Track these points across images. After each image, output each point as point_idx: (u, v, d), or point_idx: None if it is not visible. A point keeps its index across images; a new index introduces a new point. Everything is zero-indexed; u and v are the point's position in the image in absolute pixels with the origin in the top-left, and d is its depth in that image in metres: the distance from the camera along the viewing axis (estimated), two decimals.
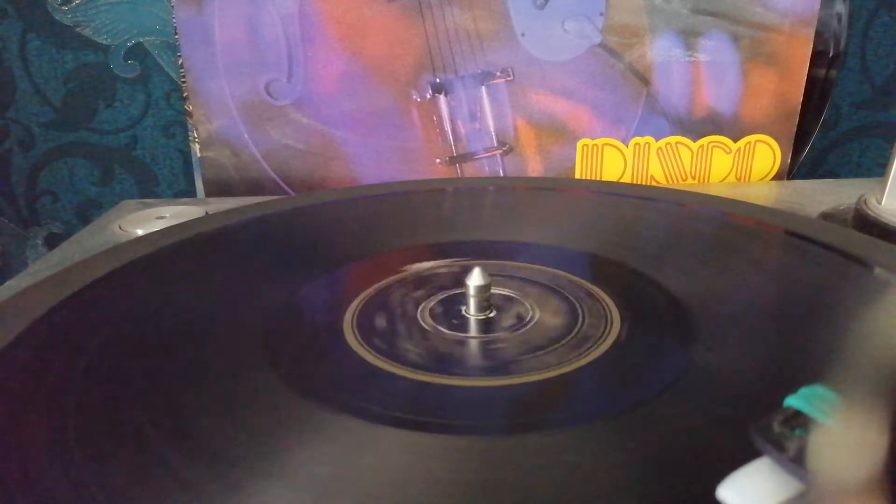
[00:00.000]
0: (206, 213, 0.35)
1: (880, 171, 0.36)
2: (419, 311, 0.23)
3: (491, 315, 0.23)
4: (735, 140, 0.44)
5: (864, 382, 0.10)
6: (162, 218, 0.36)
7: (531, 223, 0.32)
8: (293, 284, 0.26)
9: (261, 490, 0.14)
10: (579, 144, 0.44)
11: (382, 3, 0.41)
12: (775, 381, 0.18)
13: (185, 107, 0.43)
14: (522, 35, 0.42)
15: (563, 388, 0.19)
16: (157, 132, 0.51)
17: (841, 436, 0.10)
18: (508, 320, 0.23)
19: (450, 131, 0.43)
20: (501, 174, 0.44)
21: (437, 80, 0.42)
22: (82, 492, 0.14)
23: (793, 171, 0.45)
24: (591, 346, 0.21)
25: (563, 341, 0.21)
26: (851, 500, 0.09)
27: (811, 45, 0.42)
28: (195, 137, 0.43)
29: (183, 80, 0.42)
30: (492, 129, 0.43)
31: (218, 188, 0.44)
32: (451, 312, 0.23)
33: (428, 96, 0.43)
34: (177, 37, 0.41)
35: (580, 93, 0.43)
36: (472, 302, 0.23)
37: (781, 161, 0.44)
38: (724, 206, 0.32)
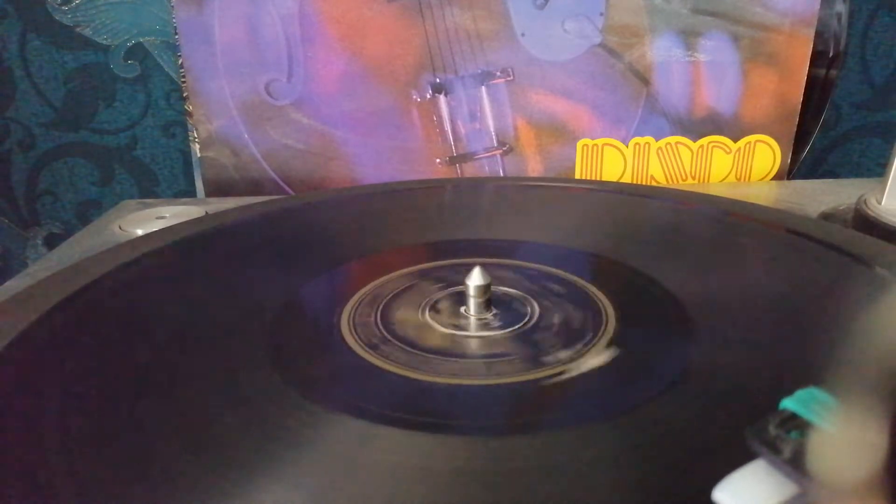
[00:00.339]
0: (206, 213, 0.35)
1: (880, 171, 0.36)
2: (419, 310, 0.23)
3: (491, 314, 0.23)
4: (735, 140, 0.44)
5: (864, 383, 0.10)
6: (162, 218, 0.36)
7: (531, 223, 0.32)
8: (292, 284, 0.26)
9: (260, 489, 0.15)
10: (579, 144, 0.44)
11: (382, 3, 0.41)
12: (775, 381, 0.18)
13: (185, 107, 0.43)
14: (522, 35, 0.42)
15: (563, 387, 0.19)
16: (157, 132, 0.51)
17: (838, 438, 0.10)
18: (508, 319, 0.23)
19: (450, 131, 0.43)
20: (501, 174, 0.44)
21: (437, 80, 0.42)
22: (83, 491, 0.14)
23: (793, 171, 0.45)
24: (590, 346, 0.21)
25: (564, 341, 0.21)
26: (848, 503, 0.09)
27: (811, 45, 0.42)
28: (195, 137, 0.43)
29: (183, 80, 0.42)
30: (492, 129, 0.43)
31: (218, 188, 0.44)
32: (450, 311, 0.23)
33: (428, 96, 0.43)
34: (177, 37, 0.41)
35: (580, 93, 0.43)
36: (471, 301, 0.23)
37: (781, 161, 0.44)
38: (724, 206, 0.32)
